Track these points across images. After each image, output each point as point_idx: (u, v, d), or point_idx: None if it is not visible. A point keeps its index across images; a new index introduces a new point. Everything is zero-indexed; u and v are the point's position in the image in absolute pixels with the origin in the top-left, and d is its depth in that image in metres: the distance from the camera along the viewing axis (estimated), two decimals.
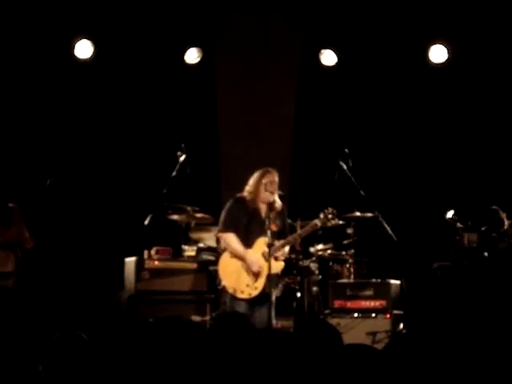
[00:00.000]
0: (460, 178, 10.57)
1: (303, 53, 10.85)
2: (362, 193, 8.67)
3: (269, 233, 7.52)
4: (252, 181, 7.73)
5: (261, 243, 7.61)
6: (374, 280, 8.80)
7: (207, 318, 8.35)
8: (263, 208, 7.68)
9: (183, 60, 10.56)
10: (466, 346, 3.65)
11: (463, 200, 9.82)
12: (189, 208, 8.90)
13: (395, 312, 8.57)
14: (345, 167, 8.75)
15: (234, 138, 10.94)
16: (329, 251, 8.98)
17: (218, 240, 8.46)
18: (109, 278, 9.36)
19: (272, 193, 7.65)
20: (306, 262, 8.65)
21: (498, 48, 10.40)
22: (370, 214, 8.77)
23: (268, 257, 7.51)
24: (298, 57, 10.88)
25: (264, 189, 7.64)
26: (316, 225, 7.83)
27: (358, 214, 8.85)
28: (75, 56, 10.35)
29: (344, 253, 8.94)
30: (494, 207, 8.84)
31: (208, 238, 8.98)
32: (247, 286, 7.57)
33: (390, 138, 10.86)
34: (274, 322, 7.63)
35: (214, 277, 8.37)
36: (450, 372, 3.38)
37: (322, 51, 10.64)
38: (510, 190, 10.05)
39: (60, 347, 3.88)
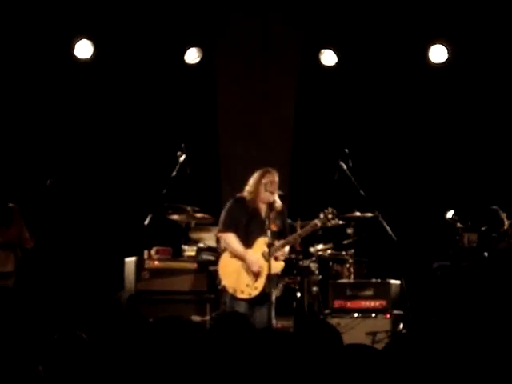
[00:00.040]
0: (460, 177, 10.57)
1: (303, 53, 10.85)
2: (362, 193, 8.67)
3: (269, 233, 7.52)
4: (252, 181, 7.72)
5: (261, 243, 7.60)
6: (374, 280, 8.80)
7: (207, 318, 8.35)
8: (263, 208, 7.68)
9: (183, 60, 10.56)
10: (466, 345, 3.65)
11: (463, 200, 9.82)
12: (189, 208, 8.90)
13: (395, 312, 8.57)
14: (345, 167, 8.74)
15: (234, 137, 10.94)
16: (329, 251, 8.98)
17: (217, 240, 8.46)
18: (109, 278, 9.35)
19: (272, 193, 7.65)
20: (305, 262, 8.65)
21: (497, 48, 10.40)
22: (370, 214, 8.77)
23: (268, 257, 7.50)
24: (297, 57, 10.88)
25: (264, 189, 7.63)
26: (316, 225, 7.83)
27: (358, 213, 8.85)
28: (75, 56, 10.35)
29: (344, 253, 8.94)
30: (494, 207, 8.84)
31: (208, 238, 8.98)
32: (247, 285, 7.57)
33: (390, 138, 10.86)
34: (274, 322, 7.63)
35: (213, 277, 8.37)
36: (450, 372, 3.38)
37: (322, 51, 10.63)
38: (510, 190, 10.05)
39: (60, 347, 3.88)
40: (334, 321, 8.23)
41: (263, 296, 7.54)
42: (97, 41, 10.38)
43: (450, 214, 8.98)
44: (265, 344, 3.55)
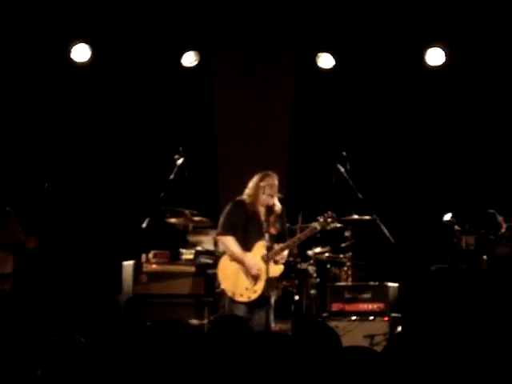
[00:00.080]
0: (457, 180, 10.57)
1: (300, 56, 10.85)
2: (360, 196, 8.67)
3: (267, 236, 7.52)
4: (251, 184, 7.72)
5: (260, 246, 7.60)
6: (371, 283, 8.81)
7: (205, 321, 8.34)
8: (263, 211, 7.67)
9: (180, 63, 10.57)
10: (464, 348, 3.66)
11: (461, 203, 9.82)
12: (187, 211, 8.90)
13: (393, 315, 8.57)
14: (342, 170, 8.75)
15: (231, 140, 10.94)
16: (326, 254, 8.98)
17: (215, 243, 8.46)
18: (107, 282, 9.35)
19: (272, 196, 7.65)
20: (303, 265, 8.65)
21: (495, 51, 10.41)
22: (367, 217, 8.77)
23: (267, 260, 7.50)
24: (295, 60, 10.89)
25: (263, 192, 7.63)
26: (315, 228, 7.82)
27: (355, 216, 8.86)
28: (72, 60, 10.34)
29: (342, 256, 8.94)
30: (491, 211, 8.85)
31: (206, 242, 8.98)
32: (246, 289, 7.56)
33: (388, 140, 10.86)
34: (272, 325, 7.63)
35: (212, 280, 8.37)
36: (448, 374, 3.39)
37: (319, 54, 10.64)
38: (508, 193, 10.06)
39: (58, 351, 3.88)
40: (332, 324, 8.21)
41: (262, 299, 7.53)
42: (94, 44, 10.38)
43: (447, 216, 9.00)
44: (263, 347, 3.55)
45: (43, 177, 9.48)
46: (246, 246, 7.65)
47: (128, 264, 8.70)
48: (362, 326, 8.44)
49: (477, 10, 10.27)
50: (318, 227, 7.81)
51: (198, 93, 10.92)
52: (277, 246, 7.62)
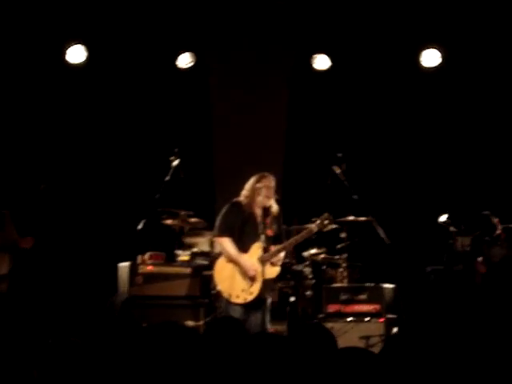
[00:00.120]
0: (453, 182, 10.59)
1: (296, 57, 10.86)
2: (355, 197, 8.68)
3: (263, 237, 7.52)
4: (248, 185, 7.72)
5: (257, 248, 7.60)
6: (367, 284, 8.80)
7: (201, 322, 8.34)
8: (259, 213, 7.67)
9: (176, 65, 10.57)
10: (460, 349, 3.66)
11: (456, 204, 9.84)
12: (182, 213, 8.90)
13: (389, 316, 8.58)
14: (338, 171, 8.75)
15: (227, 142, 10.95)
16: (322, 255, 8.98)
17: (212, 244, 8.46)
18: (102, 283, 9.34)
19: (268, 197, 7.65)
20: (299, 267, 8.65)
21: (490, 52, 10.43)
22: (363, 218, 8.78)
23: (264, 261, 7.51)
24: (290, 61, 10.90)
25: (260, 193, 7.63)
26: (312, 230, 7.82)
27: (351, 218, 8.86)
28: (67, 61, 10.34)
29: (337, 257, 8.95)
30: (486, 212, 8.86)
31: (202, 243, 8.98)
32: (243, 290, 7.56)
33: (383, 142, 10.88)
34: (268, 326, 7.62)
35: (207, 281, 8.36)
36: (444, 375, 3.39)
37: (315, 56, 10.65)
38: (503, 195, 10.08)
39: (54, 352, 3.88)
40: (327, 325, 8.20)
41: (258, 301, 7.53)
42: (90, 46, 10.38)
43: (443, 218, 9.00)
44: (259, 348, 3.55)
45: (39, 178, 9.47)
46: (243, 247, 7.65)
47: (124, 265, 8.69)
48: (357, 327, 8.44)
49: (472, 11, 10.29)
50: (315, 229, 7.81)
51: (194, 94, 10.92)
52: (273, 248, 7.62)
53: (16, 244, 8.52)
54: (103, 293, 9.05)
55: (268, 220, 7.61)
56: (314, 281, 8.71)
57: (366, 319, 8.54)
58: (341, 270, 8.90)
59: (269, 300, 7.61)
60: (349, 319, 8.53)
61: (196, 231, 9.13)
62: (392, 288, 8.73)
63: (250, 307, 7.53)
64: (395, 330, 8.49)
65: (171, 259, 8.86)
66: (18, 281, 8.66)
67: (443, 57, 10.43)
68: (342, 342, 7.11)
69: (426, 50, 10.46)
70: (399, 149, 10.83)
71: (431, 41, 10.44)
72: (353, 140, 10.71)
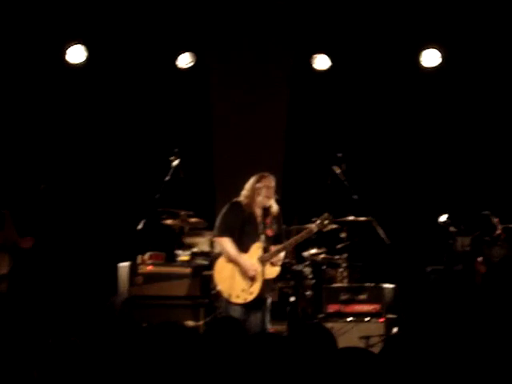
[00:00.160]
0: (453, 182, 10.59)
1: (296, 57, 10.87)
2: (355, 197, 8.68)
3: (263, 237, 7.52)
4: (248, 185, 7.71)
5: (257, 248, 7.60)
6: (367, 284, 8.80)
7: (201, 322, 8.34)
8: (259, 213, 7.67)
9: (176, 65, 10.57)
10: (460, 349, 3.66)
11: (456, 204, 9.84)
12: (182, 213, 8.90)
13: (389, 316, 8.58)
14: (338, 172, 8.75)
15: (227, 142, 10.95)
16: (322, 255, 8.98)
17: (212, 244, 8.45)
18: (102, 283, 9.34)
19: (268, 197, 7.64)
20: (299, 267, 8.65)
21: (490, 52, 10.43)
22: (363, 218, 8.78)
23: (264, 261, 7.51)
24: (290, 61, 10.91)
25: (260, 193, 7.63)
26: (312, 230, 7.82)
27: (351, 218, 8.86)
28: (67, 61, 10.34)
29: (337, 257, 8.95)
30: (486, 212, 8.86)
31: (202, 243, 8.98)
32: (243, 290, 7.56)
33: (383, 142, 10.88)
34: (268, 326, 7.62)
35: (207, 281, 8.36)
36: (444, 375, 3.39)
37: (315, 56, 10.65)
38: (503, 195, 10.08)
39: (54, 352, 3.88)
40: (328, 325, 8.21)
41: (258, 301, 7.53)
42: (90, 46, 10.38)
43: (443, 218, 9.00)
44: (259, 348, 3.55)
45: (39, 178, 9.47)
46: (243, 247, 7.64)
47: (124, 265, 8.69)
48: (357, 327, 8.44)
49: (472, 11, 10.29)
50: (315, 229, 7.80)
51: (194, 94, 10.92)
52: (273, 248, 7.62)
53: (16, 244, 8.53)
54: (103, 293, 9.06)
55: (268, 220, 7.61)
56: (313, 281, 8.71)
57: (366, 319, 8.54)
58: (341, 269, 8.90)
59: (269, 300, 7.60)
60: (349, 319, 8.53)
61: (196, 231, 9.13)
62: (392, 288, 8.74)
63: (249, 307, 7.52)
64: (395, 329, 8.49)
65: (171, 259, 8.86)
66: (18, 281, 8.66)
67: (443, 57, 10.43)
68: (342, 342, 7.12)
69: (426, 50, 10.46)
70: (399, 149, 10.83)
71: (431, 41, 10.44)
72: (353, 140, 10.72)
